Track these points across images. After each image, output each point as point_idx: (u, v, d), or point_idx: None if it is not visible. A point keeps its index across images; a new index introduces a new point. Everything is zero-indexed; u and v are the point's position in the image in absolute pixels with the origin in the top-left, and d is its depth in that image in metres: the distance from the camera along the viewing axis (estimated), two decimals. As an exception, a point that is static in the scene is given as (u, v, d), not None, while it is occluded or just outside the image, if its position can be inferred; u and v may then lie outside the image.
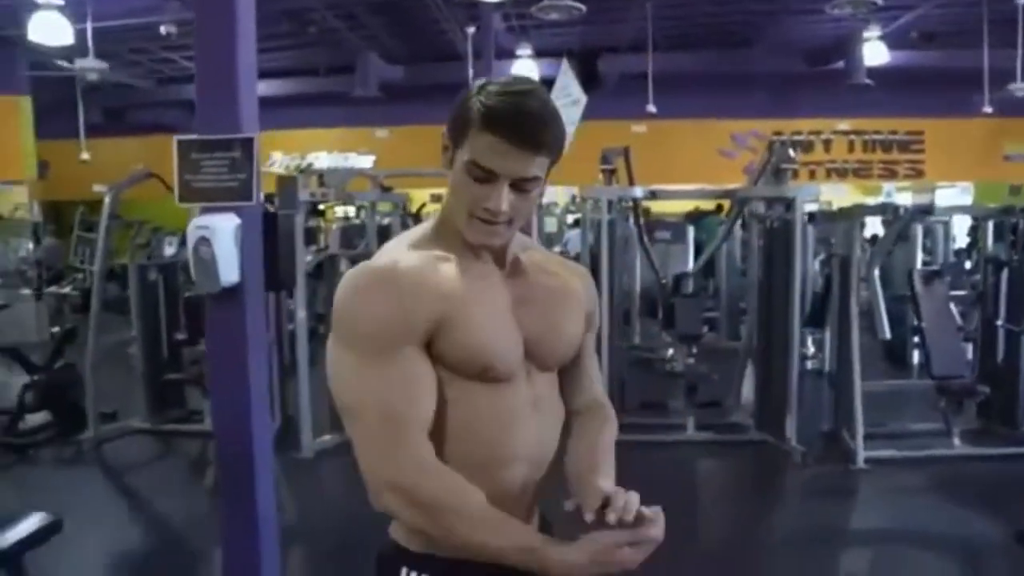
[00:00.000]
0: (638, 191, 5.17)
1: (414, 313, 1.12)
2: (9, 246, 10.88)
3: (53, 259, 10.24)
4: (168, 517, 4.21)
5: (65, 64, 9.07)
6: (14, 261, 9.91)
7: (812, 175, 11.85)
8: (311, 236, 9.48)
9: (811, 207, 5.98)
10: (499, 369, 1.18)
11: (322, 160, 13.63)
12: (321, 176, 5.36)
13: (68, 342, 5.73)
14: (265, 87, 11.77)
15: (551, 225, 12.10)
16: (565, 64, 6.13)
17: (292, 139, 13.29)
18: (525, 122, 1.11)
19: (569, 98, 6.00)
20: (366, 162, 13.36)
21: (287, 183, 4.98)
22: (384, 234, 6.60)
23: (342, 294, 1.15)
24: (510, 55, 10.33)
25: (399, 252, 1.20)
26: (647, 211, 9.62)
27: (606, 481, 1.19)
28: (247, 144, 2.62)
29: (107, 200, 5.22)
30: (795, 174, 5.30)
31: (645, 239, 5.70)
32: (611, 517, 1.06)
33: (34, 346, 6.52)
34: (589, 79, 11.19)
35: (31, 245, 9.38)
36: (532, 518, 1.29)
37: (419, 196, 10.70)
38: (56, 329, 7.07)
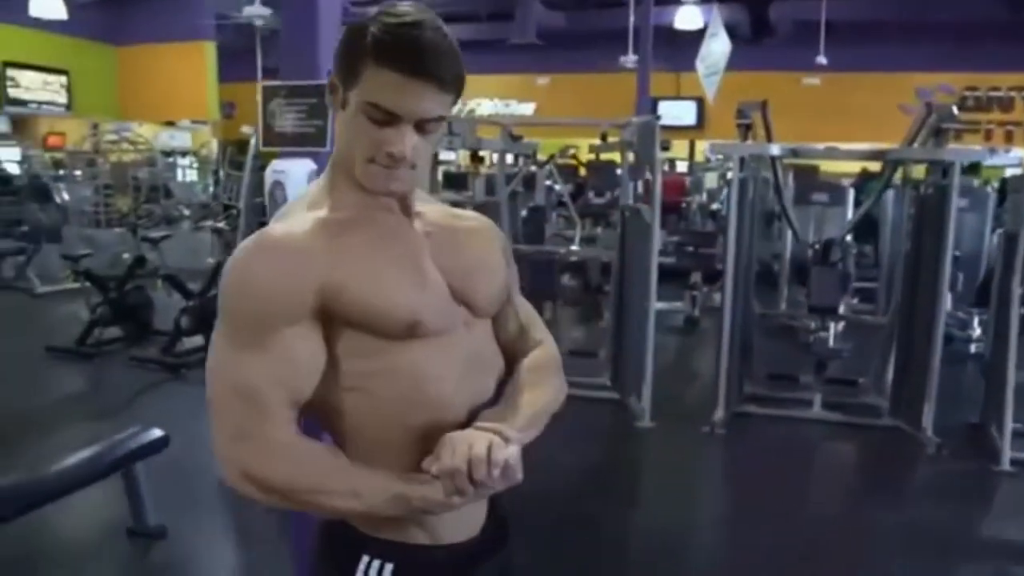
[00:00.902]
0: (775, 148, 4.79)
1: (297, 288, 1.02)
2: (198, 182, 11.93)
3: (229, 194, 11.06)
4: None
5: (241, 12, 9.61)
6: (198, 194, 10.83)
7: (1009, 137, 10.60)
8: (460, 182, 9.63)
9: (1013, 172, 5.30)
10: (428, 322, 1.07)
11: (484, 107, 13.79)
12: (450, 124, 5.34)
13: (139, 267, 6.30)
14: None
15: (711, 180, 11.62)
16: (716, 10, 5.79)
17: (456, 85, 13.49)
18: (428, 56, 1.00)
19: (717, 45, 5.66)
20: (526, 109, 13.37)
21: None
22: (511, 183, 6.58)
23: (227, 267, 1.05)
24: (675, 1, 9.87)
25: (293, 216, 1.10)
26: (815, 169, 9.01)
27: (525, 411, 1.14)
28: (323, 90, 2.62)
29: (252, 141, 5.50)
30: (958, 135, 4.71)
31: (785, 200, 5.30)
32: (427, 464, 1.02)
33: (195, 274, 7.06)
34: (759, 27, 10.53)
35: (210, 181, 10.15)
36: None
37: (554, 145, 10.58)
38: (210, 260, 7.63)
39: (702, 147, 12.14)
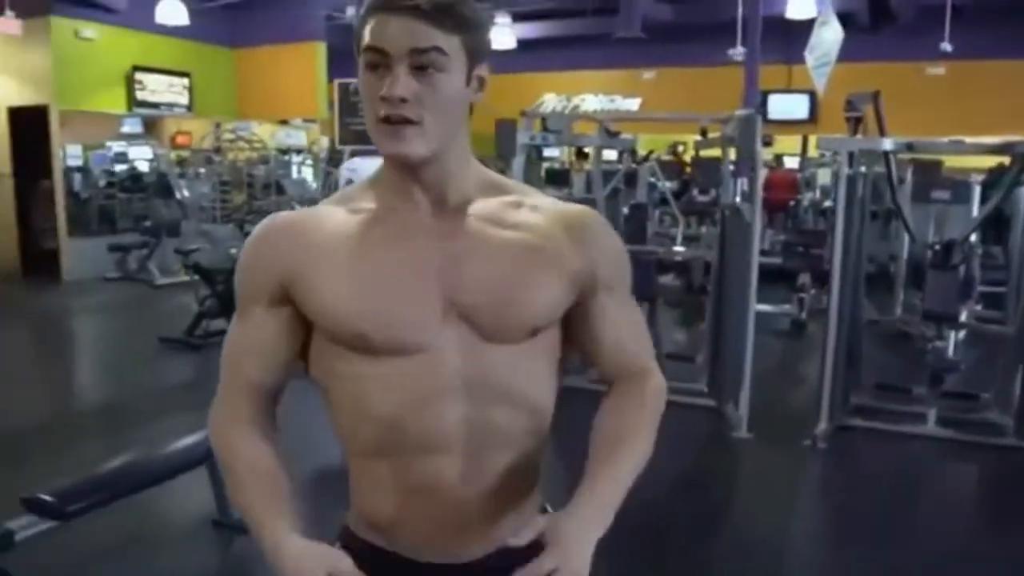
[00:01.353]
0: (887, 143, 4.47)
1: (264, 271, 1.05)
2: (312, 179, 12.31)
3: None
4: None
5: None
6: (311, 190, 11.14)
7: None
8: (562, 178, 9.53)
9: None
10: (374, 339, 0.99)
11: (589, 102, 13.62)
12: (544, 120, 5.26)
13: None
14: (533, 29, 12.10)
15: (824, 177, 11.09)
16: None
17: (562, 80, 13.40)
18: None
19: (828, 34, 5.36)
20: (632, 105, 13.11)
21: (504, 126, 4.98)
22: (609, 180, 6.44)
23: None
24: (786, -11, 9.43)
25: (318, 206, 1.12)
26: (938, 165, 8.42)
27: (603, 484, 1.02)
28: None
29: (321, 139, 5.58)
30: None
31: (898, 198, 4.95)
32: None
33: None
34: (880, 14, 9.93)
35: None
36: (500, 520, 1.07)
37: (658, 143, 10.30)
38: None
39: (815, 142, 11.61)
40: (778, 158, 12.28)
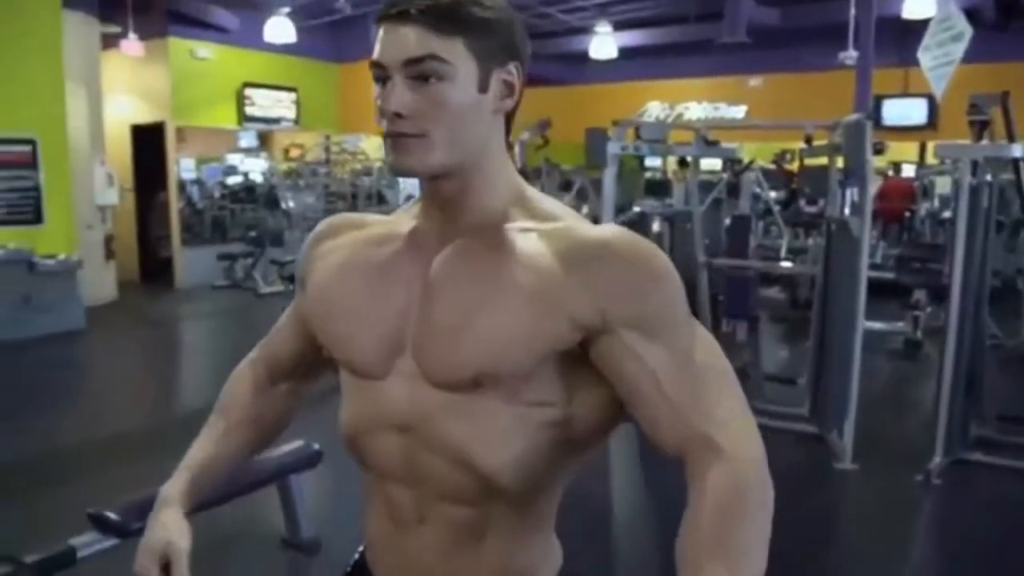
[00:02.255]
0: (1017, 149, 4.07)
1: (300, 264, 1.10)
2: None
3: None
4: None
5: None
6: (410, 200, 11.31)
7: None
8: (662, 189, 9.29)
9: None
10: (335, 356, 1.02)
11: (692, 110, 13.28)
12: (637, 129, 5.09)
13: None
14: (636, 37, 11.88)
15: (943, 186, 10.38)
16: (951, -7, 5.08)
17: (666, 89, 13.13)
18: None
19: (948, 32, 4.96)
20: (737, 112, 12.71)
21: (594, 135, 4.85)
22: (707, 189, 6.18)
23: None
24: (904, -11, 8.89)
25: (367, 215, 1.12)
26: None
27: None
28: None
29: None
30: None
31: (1030, 211, 4.53)
32: None
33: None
34: (1009, 10, 9.25)
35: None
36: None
37: (764, 151, 9.87)
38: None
39: (933, 149, 10.90)
40: (896, 166, 11.60)
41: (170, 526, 0.99)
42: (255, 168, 13.88)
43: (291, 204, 10.92)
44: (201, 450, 1.10)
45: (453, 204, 0.94)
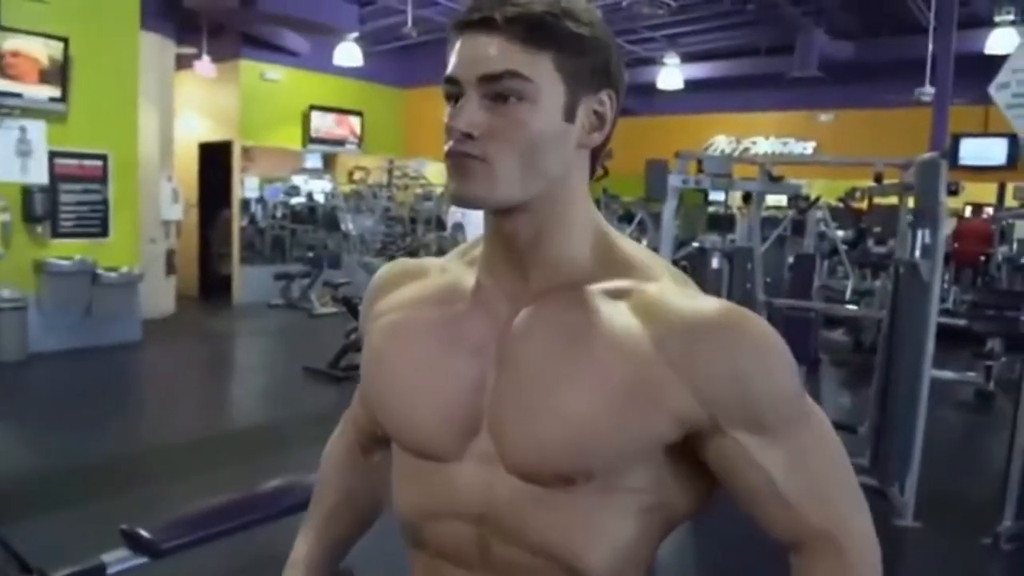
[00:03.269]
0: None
1: (363, 315, 0.97)
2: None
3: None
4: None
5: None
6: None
7: None
8: (726, 224, 9.10)
9: None
10: (394, 435, 0.89)
11: (760, 145, 13.05)
12: (699, 161, 4.95)
13: None
14: (705, 69, 11.74)
15: (1022, 229, 9.95)
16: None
17: (734, 122, 12.94)
18: (481, 3, 0.77)
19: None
20: (806, 148, 12.44)
21: (654, 166, 4.74)
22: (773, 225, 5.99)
23: None
24: (985, 23, 8.58)
25: (451, 254, 0.99)
26: None
27: None
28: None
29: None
30: None
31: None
32: None
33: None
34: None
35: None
36: None
37: (833, 189, 9.58)
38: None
39: (1013, 190, 10.44)
40: (976, 208, 11.13)
41: None
42: (317, 189, 14.12)
43: (350, 226, 11.02)
44: (303, 546, 1.05)
45: (525, 253, 0.81)
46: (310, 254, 10.29)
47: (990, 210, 10.93)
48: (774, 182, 5.24)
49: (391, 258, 9.59)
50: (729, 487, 0.79)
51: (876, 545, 0.81)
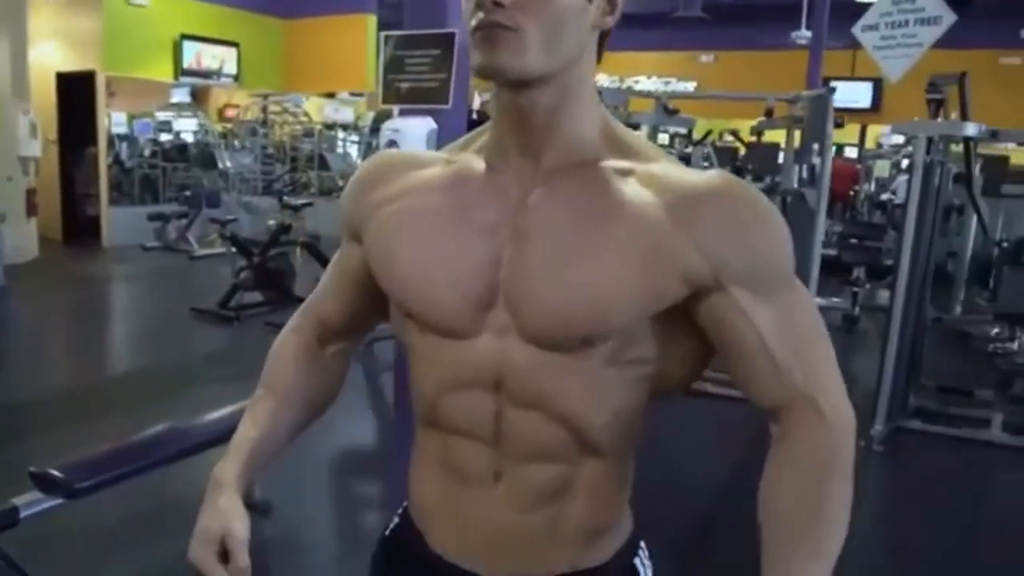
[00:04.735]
0: (971, 128, 4.14)
1: (348, 210, 0.97)
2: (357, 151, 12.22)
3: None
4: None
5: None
6: (354, 165, 11.03)
7: None
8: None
9: None
10: (413, 313, 0.90)
11: (643, 84, 13.31)
12: (599, 92, 5.01)
13: (284, 234, 6.47)
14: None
15: (882, 169, 10.67)
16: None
17: (617, 61, 13.08)
18: None
19: (916, 14, 4.94)
20: (687, 88, 12.78)
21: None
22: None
23: None
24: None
25: (447, 147, 0.99)
26: (1003, 160, 7.99)
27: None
28: (447, 40, 2.39)
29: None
30: None
31: (975, 190, 4.63)
32: None
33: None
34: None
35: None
36: (546, 543, 0.90)
37: (713, 128, 9.94)
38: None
39: (876, 133, 11.16)
40: (839, 148, 11.86)
41: (228, 512, 0.88)
42: (191, 126, 13.40)
43: (228, 164, 10.56)
44: (251, 429, 0.96)
45: (539, 131, 0.83)
46: (187, 193, 9.78)
47: (853, 151, 11.66)
48: (671, 115, 5.38)
49: (280, 197, 9.27)
50: (722, 348, 0.84)
51: (853, 419, 0.85)
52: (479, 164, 0.89)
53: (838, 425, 0.83)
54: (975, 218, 5.85)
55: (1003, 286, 4.40)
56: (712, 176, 0.83)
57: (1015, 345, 4.38)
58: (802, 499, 0.81)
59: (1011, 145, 6.74)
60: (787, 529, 0.81)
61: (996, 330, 4.93)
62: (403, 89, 2.49)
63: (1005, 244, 5.11)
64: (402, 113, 2.53)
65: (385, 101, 2.54)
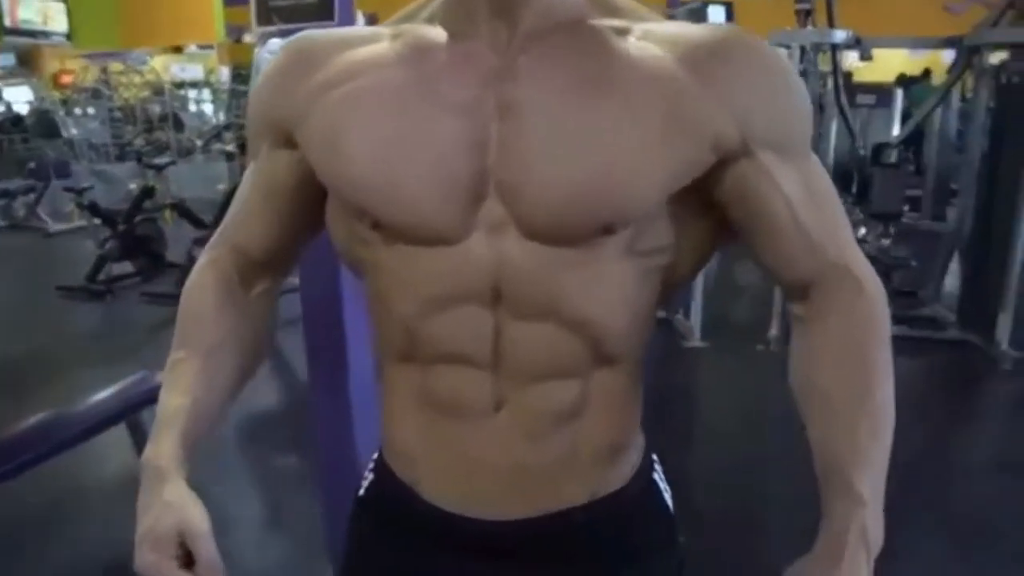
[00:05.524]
0: (839, 35, 4.29)
1: (270, 105, 0.81)
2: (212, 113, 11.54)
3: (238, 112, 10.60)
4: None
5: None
6: (211, 124, 10.44)
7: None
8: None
9: None
10: (382, 220, 0.74)
11: None
12: None
13: (148, 198, 6.01)
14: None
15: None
16: None
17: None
18: None
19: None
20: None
21: None
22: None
23: None
24: None
25: (385, 23, 0.83)
26: (848, 76, 8.39)
27: (863, 476, 0.71)
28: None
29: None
30: None
31: (843, 98, 4.82)
32: None
33: (211, 204, 6.66)
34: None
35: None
36: (557, 473, 0.80)
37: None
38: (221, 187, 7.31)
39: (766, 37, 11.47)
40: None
41: (177, 503, 0.71)
42: (20, 98, 12.29)
43: (74, 131, 9.77)
44: (178, 397, 0.78)
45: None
46: (31, 165, 8.98)
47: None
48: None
49: (139, 159, 8.64)
50: (748, 221, 0.76)
51: (883, 287, 0.79)
52: (437, 33, 0.76)
53: (874, 294, 0.77)
54: (833, 126, 6.13)
55: (877, 187, 4.63)
56: (723, 27, 0.75)
57: (887, 242, 4.63)
58: (850, 373, 0.74)
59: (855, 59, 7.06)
60: (840, 405, 0.74)
61: (863, 231, 5.22)
62: (280, 8, 2.30)
63: (862, 151, 5.37)
64: (281, 35, 2.34)
65: (261, 22, 2.33)
